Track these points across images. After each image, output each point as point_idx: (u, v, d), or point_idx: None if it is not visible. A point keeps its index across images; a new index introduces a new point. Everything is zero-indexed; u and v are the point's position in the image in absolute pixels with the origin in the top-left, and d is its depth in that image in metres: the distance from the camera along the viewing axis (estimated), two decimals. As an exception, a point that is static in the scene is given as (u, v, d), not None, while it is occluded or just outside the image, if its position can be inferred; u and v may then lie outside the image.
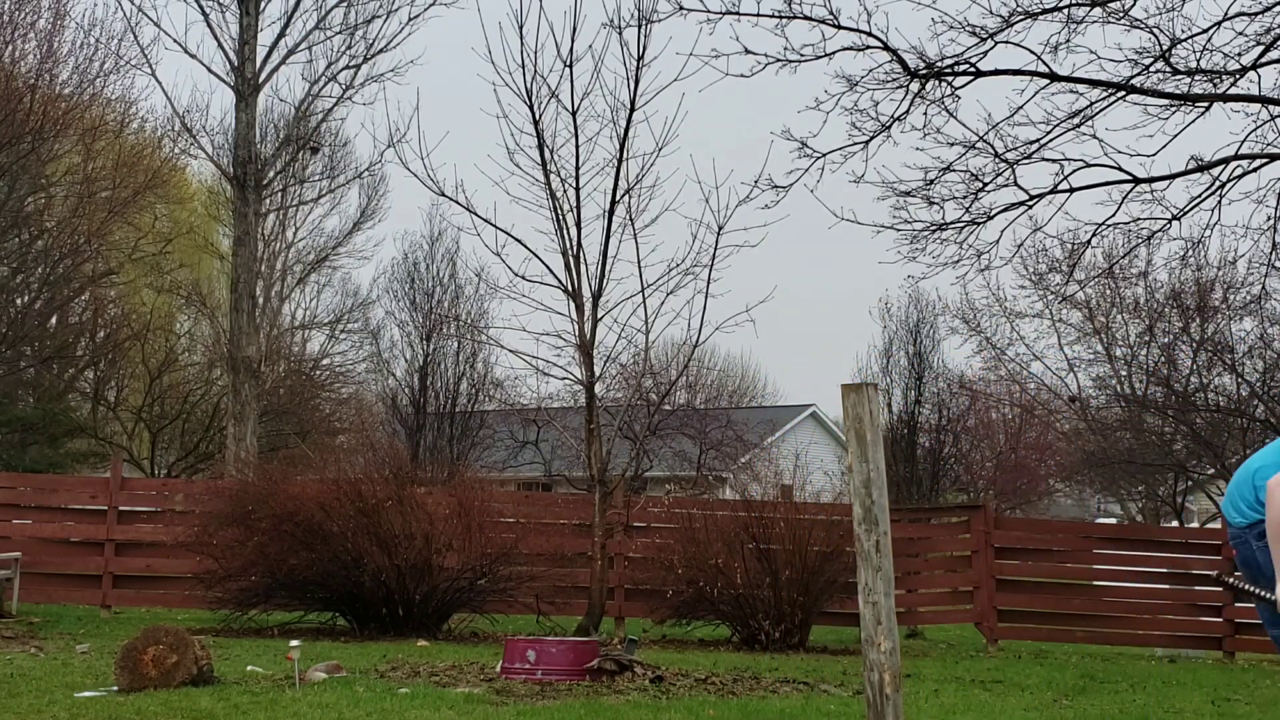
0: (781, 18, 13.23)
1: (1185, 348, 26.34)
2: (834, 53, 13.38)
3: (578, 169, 14.02)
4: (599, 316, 14.12)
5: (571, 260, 14.04)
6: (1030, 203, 14.30)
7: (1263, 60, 13.28)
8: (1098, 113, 13.65)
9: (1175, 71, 13.43)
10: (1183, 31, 13.27)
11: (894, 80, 13.59)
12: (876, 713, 4.87)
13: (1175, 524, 27.70)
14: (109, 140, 26.15)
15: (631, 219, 14.08)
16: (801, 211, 14.76)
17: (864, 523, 4.94)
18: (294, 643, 8.66)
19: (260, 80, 22.07)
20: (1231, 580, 5.39)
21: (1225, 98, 13.73)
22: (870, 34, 13.23)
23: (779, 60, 13.43)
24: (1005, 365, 32.48)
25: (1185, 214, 14.36)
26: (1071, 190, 14.15)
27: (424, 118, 30.55)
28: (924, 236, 14.47)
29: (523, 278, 14.21)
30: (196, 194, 33.89)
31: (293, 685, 8.20)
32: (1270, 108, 13.68)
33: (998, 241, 14.98)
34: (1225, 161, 13.88)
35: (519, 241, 14.19)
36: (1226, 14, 13.04)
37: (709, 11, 13.28)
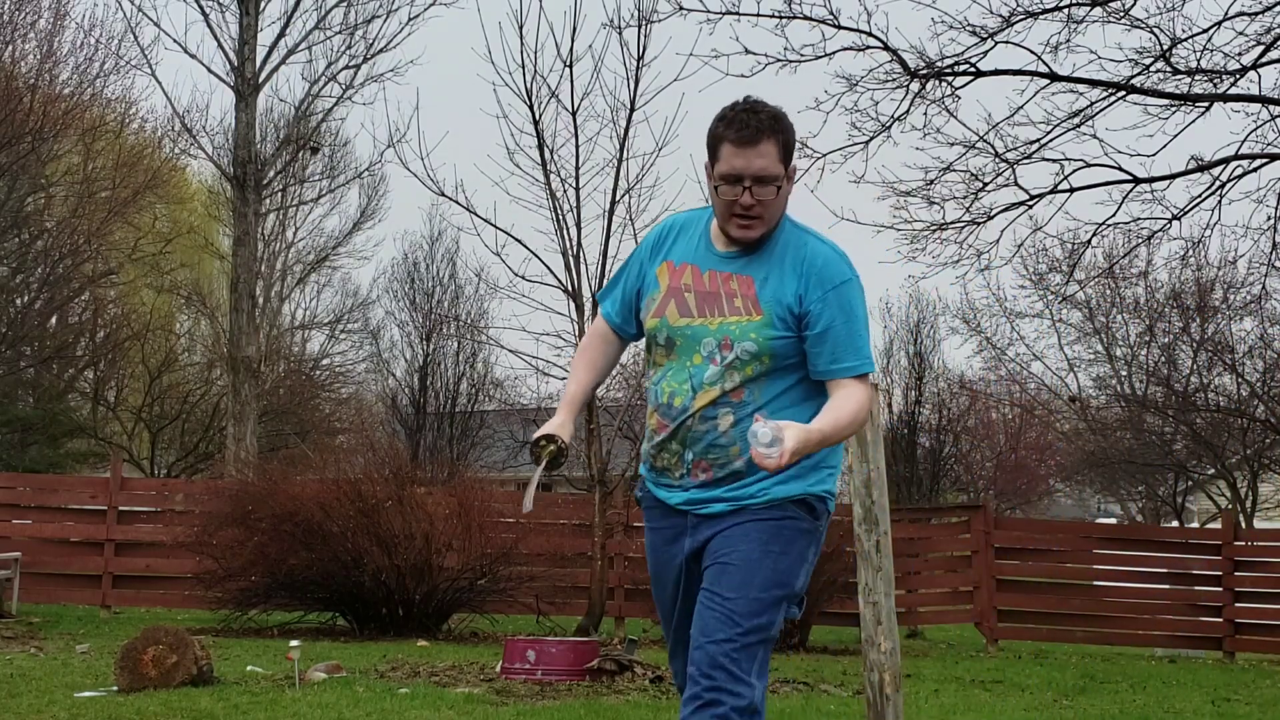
0: (781, 18, 13.20)
1: (1185, 348, 26.34)
2: (834, 53, 13.35)
3: (578, 169, 14.03)
4: (599, 317, 14.10)
5: (571, 260, 14.05)
6: (1030, 203, 14.28)
7: (1263, 60, 13.25)
8: (1098, 113, 13.63)
9: (1175, 71, 13.40)
10: (1183, 31, 13.24)
11: (894, 80, 13.56)
12: (876, 713, 4.87)
13: (1175, 524, 27.70)
14: (109, 140, 26.15)
15: (631, 219, 14.09)
16: (802, 211, 14.73)
17: (864, 523, 4.93)
18: (294, 643, 8.66)
19: (260, 80, 22.05)
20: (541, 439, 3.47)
21: (1225, 98, 13.71)
22: (870, 34, 13.20)
23: (779, 60, 13.40)
24: (1005, 365, 32.47)
25: (1185, 214, 14.33)
26: (1071, 190, 14.13)
27: (424, 118, 30.62)
28: (924, 236, 14.44)
29: (523, 278, 14.23)
30: (196, 194, 33.86)
31: (293, 685, 8.19)
32: (1270, 108, 13.66)
33: (998, 241, 14.97)
34: (1225, 161, 13.85)
35: (519, 241, 14.21)
36: (1226, 14, 13.01)
37: (709, 11, 13.25)
